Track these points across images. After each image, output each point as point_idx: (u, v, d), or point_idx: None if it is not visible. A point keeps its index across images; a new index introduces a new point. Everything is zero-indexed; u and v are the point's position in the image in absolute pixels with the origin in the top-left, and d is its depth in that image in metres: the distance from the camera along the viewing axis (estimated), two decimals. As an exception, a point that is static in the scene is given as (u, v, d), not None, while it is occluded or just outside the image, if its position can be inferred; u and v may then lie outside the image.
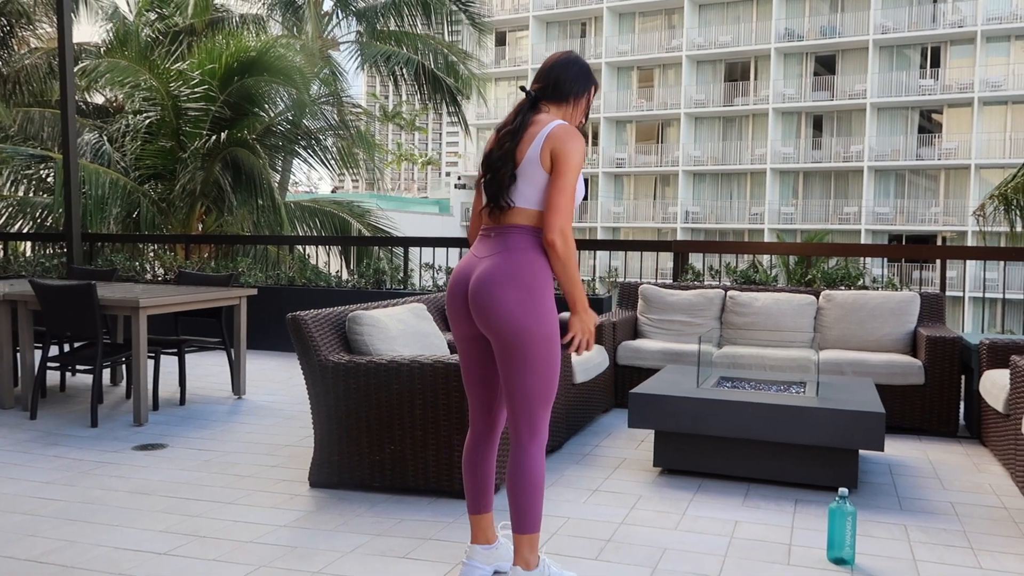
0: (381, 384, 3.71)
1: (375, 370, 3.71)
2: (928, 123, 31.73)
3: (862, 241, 31.46)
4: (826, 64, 33.02)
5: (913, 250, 17.10)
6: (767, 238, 33.01)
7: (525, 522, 2.65)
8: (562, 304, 6.09)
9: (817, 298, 5.79)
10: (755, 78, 34.03)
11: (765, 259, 11.16)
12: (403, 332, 4.10)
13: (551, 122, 2.65)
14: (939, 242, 31.41)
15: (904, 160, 31.58)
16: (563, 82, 2.74)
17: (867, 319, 5.52)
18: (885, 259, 7.44)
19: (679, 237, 34.16)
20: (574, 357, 4.77)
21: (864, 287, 6.55)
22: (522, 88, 2.79)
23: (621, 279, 7.52)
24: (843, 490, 3.00)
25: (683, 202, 35.14)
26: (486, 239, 2.71)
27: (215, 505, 3.62)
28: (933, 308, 5.65)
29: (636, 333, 6.11)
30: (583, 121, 2.83)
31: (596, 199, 36.75)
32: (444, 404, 3.64)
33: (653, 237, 35.00)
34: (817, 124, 33.39)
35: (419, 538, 3.24)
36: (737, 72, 34.53)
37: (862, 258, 7.44)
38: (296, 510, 3.56)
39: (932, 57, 31.32)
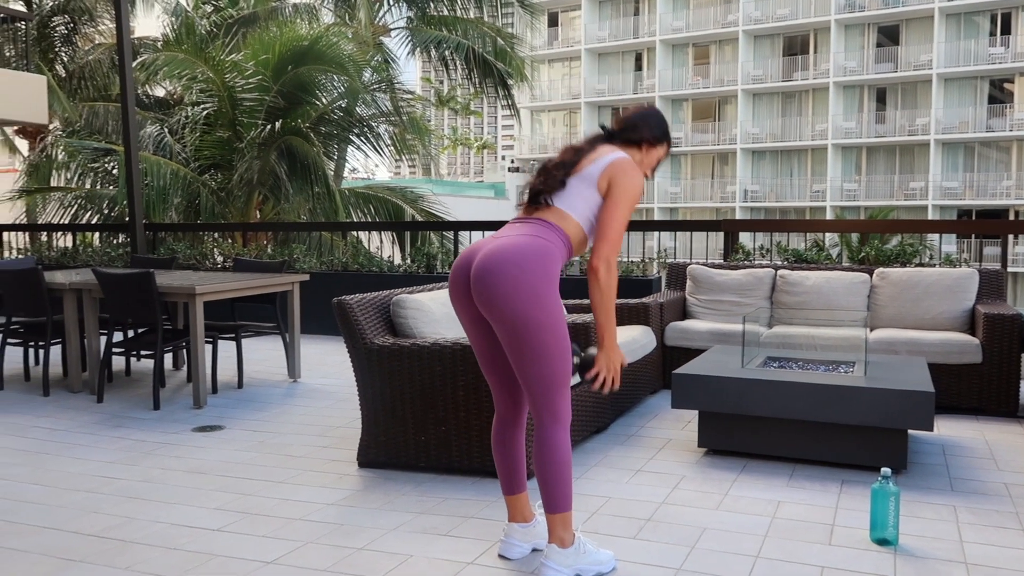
0: (425, 366, 3.78)
1: (419, 352, 3.78)
2: (999, 93, 30.55)
3: (929, 217, 30.51)
4: (889, 34, 32.00)
5: (974, 225, 16.58)
6: (829, 216, 32.25)
7: (554, 502, 2.68)
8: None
9: (871, 276, 5.67)
10: (815, 51, 33.17)
11: (828, 238, 10.93)
12: (447, 315, 4.16)
13: (618, 152, 2.70)
14: (1011, 217, 30.26)
15: (973, 132, 30.48)
16: (640, 127, 2.80)
17: (922, 296, 5.39)
18: (955, 235, 7.22)
19: (738, 216, 33.62)
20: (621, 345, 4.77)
21: (921, 264, 6.39)
22: (601, 126, 2.86)
23: (672, 260, 7.46)
24: (886, 470, 2.96)
25: (742, 181, 34.54)
26: (509, 226, 2.72)
27: (267, 484, 3.75)
28: (993, 285, 5.49)
29: (685, 314, 6.07)
30: (649, 175, 2.86)
31: (653, 180, 36.33)
32: (486, 385, 3.69)
33: (712, 217, 34.51)
34: (880, 97, 32.43)
35: (461, 516, 3.31)
36: (796, 46, 33.70)
37: (926, 235, 7.24)
38: (344, 489, 3.66)
39: (1003, 23, 30.09)
